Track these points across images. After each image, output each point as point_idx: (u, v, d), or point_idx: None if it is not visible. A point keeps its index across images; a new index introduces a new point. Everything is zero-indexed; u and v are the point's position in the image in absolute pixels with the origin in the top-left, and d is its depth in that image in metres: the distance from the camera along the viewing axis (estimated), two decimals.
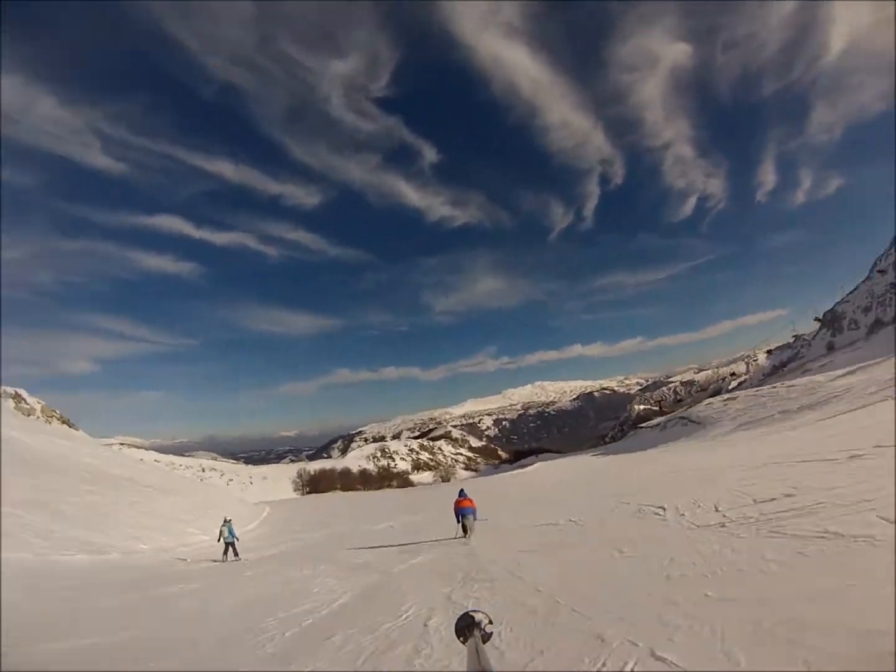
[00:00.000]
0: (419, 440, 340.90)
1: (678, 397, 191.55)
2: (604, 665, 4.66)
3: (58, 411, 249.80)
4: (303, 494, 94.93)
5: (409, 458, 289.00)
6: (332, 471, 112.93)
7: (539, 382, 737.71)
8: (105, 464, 44.69)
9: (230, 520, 23.35)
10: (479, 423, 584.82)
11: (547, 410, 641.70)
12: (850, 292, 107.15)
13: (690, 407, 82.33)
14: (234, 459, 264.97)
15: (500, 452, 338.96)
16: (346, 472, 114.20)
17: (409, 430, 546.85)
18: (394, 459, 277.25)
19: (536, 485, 43.11)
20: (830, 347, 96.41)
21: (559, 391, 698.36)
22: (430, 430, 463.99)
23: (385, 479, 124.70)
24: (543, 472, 62.50)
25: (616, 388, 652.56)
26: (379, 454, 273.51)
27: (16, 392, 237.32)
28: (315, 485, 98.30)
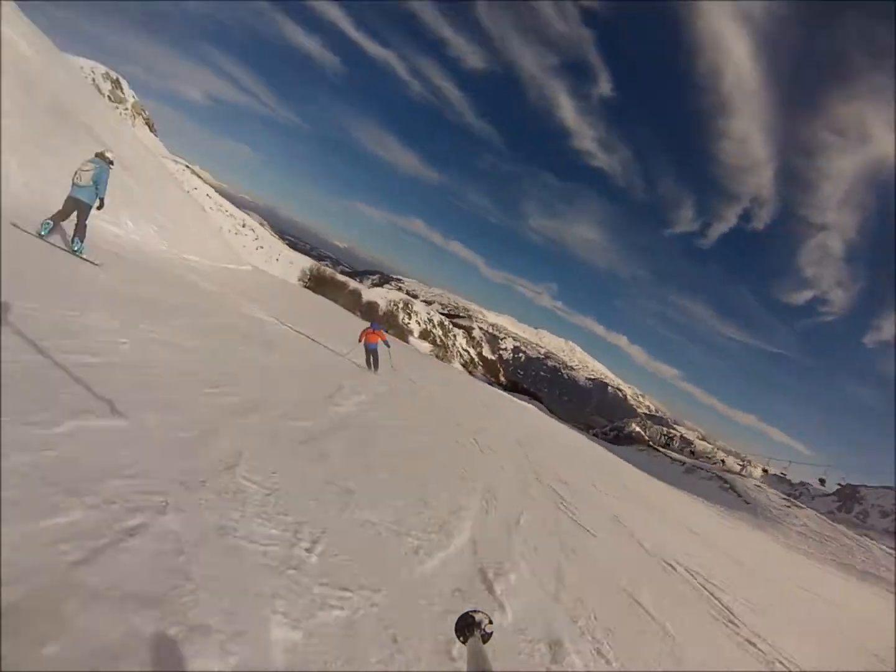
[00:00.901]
0: (443, 316, 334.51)
1: (675, 445, 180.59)
2: None
3: (146, 112, 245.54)
4: (302, 286, 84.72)
5: (422, 324, 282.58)
6: (343, 284, 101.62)
7: (572, 343, 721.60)
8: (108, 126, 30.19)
9: (111, 161, 11.17)
10: (501, 339, 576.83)
11: (562, 371, 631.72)
12: (887, 486, 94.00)
13: (727, 471, 70.17)
14: (279, 237, 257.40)
15: (501, 375, 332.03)
16: (354, 294, 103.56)
17: (441, 304, 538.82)
18: (410, 317, 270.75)
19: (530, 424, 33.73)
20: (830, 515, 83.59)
21: (583, 363, 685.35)
22: (458, 317, 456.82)
23: (385, 323, 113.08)
24: (538, 418, 50.41)
25: (628, 396, 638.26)
26: (400, 304, 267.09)
27: (117, 78, 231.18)
28: (317, 285, 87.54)
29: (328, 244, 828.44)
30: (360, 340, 16.28)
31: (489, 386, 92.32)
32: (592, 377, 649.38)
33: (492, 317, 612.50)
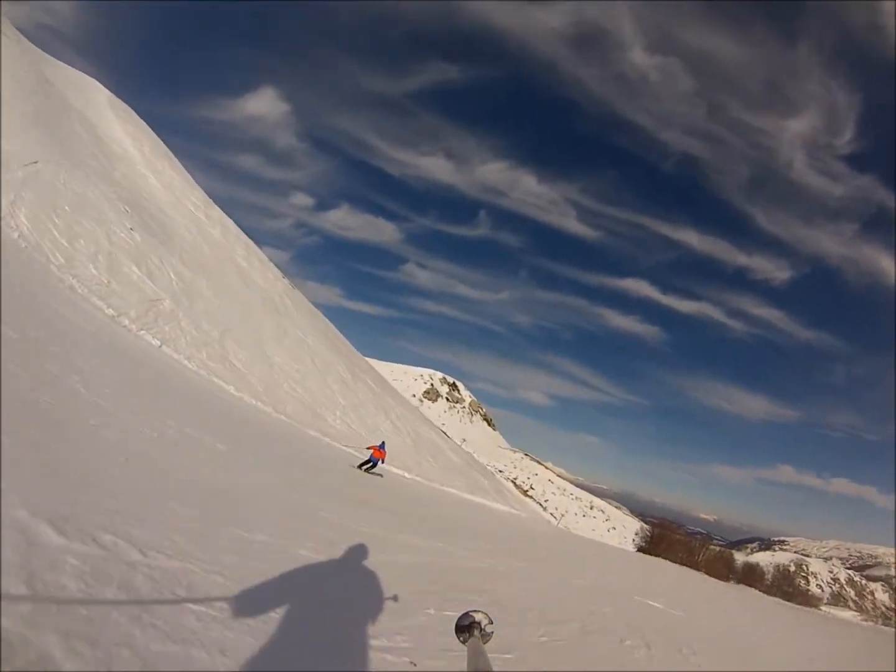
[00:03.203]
0: (850, 571, 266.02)
1: None
2: None
3: (484, 408, 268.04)
4: (636, 550, 65.12)
5: (827, 587, 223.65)
6: (686, 544, 75.08)
7: None
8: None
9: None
10: None
11: None
12: None
13: None
14: (639, 518, 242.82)
15: None
16: (723, 556, 76.47)
17: (840, 559, 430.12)
18: (808, 581, 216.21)
19: None
20: None
21: None
22: (868, 567, 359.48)
23: (781, 591, 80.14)
24: None
25: None
26: (792, 567, 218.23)
27: (454, 382, 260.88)
28: (653, 545, 65.67)
29: (696, 520, 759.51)
30: (367, 448, 20.30)
31: None
32: None
33: None
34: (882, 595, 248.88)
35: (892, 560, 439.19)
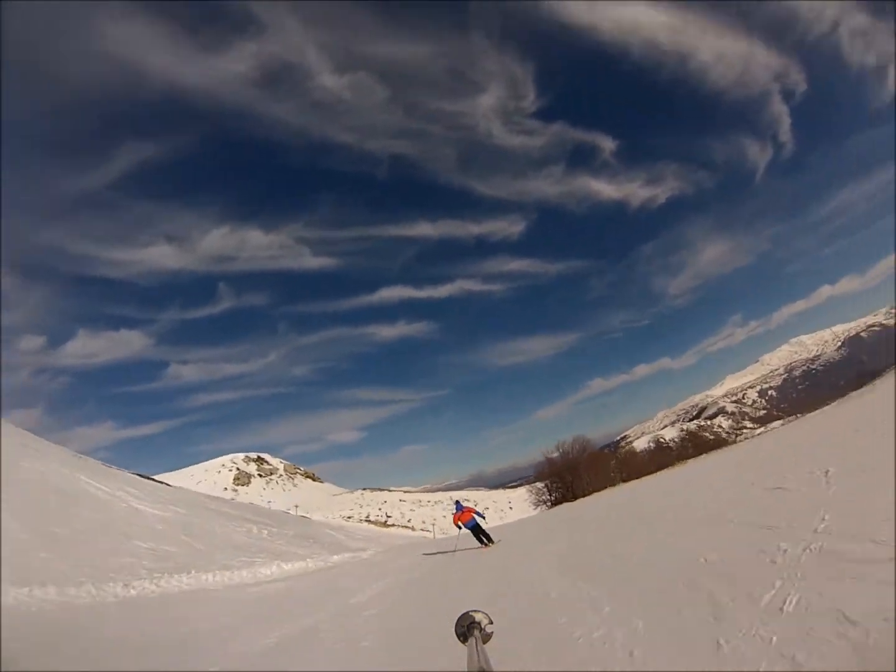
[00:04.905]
0: (694, 422, 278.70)
1: None
2: None
3: (302, 468, 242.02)
4: (549, 507, 50.39)
5: (690, 443, 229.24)
6: (601, 460, 58.64)
7: (796, 339, 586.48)
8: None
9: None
10: (743, 398, 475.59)
11: (813, 367, 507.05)
12: None
13: None
14: (502, 489, 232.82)
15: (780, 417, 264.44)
16: (632, 457, 62.73)
17: (673, 422, 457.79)
18: (672, 448, 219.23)
19: None
20: None
21: (820, 342, 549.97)
22: (701, 412, 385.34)
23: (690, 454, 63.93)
24: None
25: (885, 322, 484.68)
26: (653, 446, 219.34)
27: (258, 456, 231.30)
28: (573, 487, 47.18)
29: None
30: (456, 524, 15.55)
31: None
32: (839, 344, 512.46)
33: (717, 391, 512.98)
34: (727, 422, 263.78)
35: (711, 400, 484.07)
